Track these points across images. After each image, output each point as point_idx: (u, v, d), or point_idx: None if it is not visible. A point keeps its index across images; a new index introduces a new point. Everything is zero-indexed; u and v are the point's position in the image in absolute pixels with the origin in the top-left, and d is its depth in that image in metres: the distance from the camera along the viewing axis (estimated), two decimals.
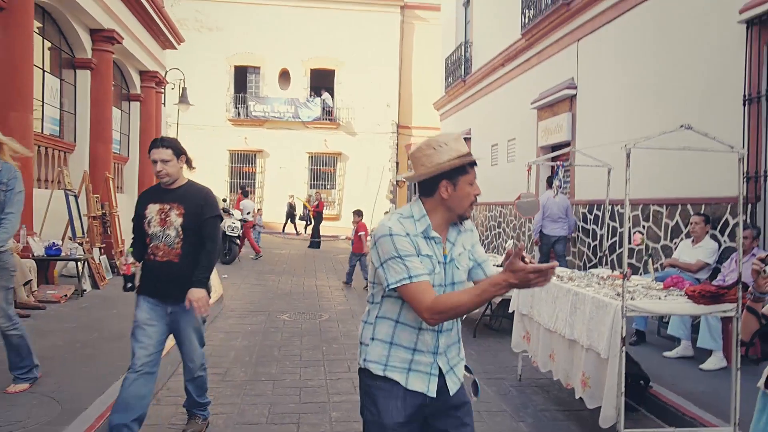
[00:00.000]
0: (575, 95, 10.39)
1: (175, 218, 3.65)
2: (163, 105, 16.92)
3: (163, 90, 16.56)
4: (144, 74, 15.05)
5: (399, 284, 2.11)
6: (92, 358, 5.46)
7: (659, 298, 4.14)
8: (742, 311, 2.65)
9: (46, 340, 5.88)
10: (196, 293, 3.60)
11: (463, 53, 17.27)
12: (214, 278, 10.69)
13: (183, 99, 17.77)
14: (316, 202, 20.59)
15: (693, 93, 7.30)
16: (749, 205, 6.28)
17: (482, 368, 5.96)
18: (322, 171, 27.62)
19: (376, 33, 27.02)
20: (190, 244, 3.67)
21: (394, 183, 27.10)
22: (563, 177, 11.23)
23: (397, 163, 27.52)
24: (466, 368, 2.41)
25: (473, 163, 2.24)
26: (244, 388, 5.24)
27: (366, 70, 26.73)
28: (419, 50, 27.50)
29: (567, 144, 10.49)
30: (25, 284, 6.94)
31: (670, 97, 7.74)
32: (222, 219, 3.77)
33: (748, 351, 2.62)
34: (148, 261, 3.71)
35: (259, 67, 27.10)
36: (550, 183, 10.18)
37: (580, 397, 4.37)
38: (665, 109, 7.74)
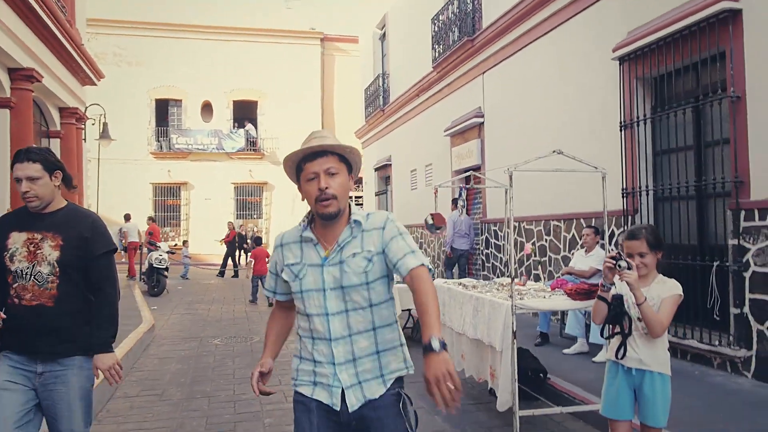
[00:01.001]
0: (483, 123, 11.29)
1: (50, 251, 2.82)
2: (84, 141, 16.86)
3: (83, 126, 16.51)
4: (64, 111, 14.99)
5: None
6: None
7: (544, 298, 4.85)
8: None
9: None
10: (105, 360, 2.87)
11: (381, 84, 18.11)
12: (143, 309, 10.84)
13: (104, 134, 17.78)
14: (227, 232, 20.80)
15: (580, 120, 8.23)
16: (629, 217, 7.18)
17: None
18: (248, 201, 27.81)
19: (297, 64, 27.66)
20: (69, 283, 2.86)
21: None
22: (467, 198, 12.15)
23: None
24: (407, 398, 2.22)
25: (307, 157, 2.14)
26: (181, 405, 5.59)
27: (288, 101, 27.27)
28: (340, 80, 28.32)
29: (478, 168, 11.33)
30: None
31: (561, 124, 8.66)
32: (115, 251, 3.03)
33: (602, 332, 3.28)
34: (11, 306, 2.84)
35: (180, 100, 27.17)
36: (455, 203, 11.20)
37: (490, 389, 4.99)
38: (557, 134, 8.65)
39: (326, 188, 2.09)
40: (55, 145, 14.95)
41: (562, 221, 8.71)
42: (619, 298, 3.04)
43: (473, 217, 12.03)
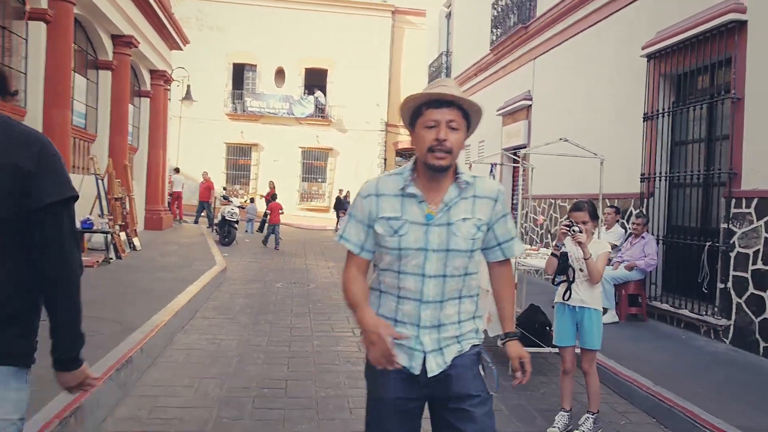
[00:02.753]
0: (531, 105, 12.14)
1: None
2: (168, 100, 18.55)
3: (169, 87, 18.17)
4: (154, 73, 16.67)
5: (337, 238, 2.19)
6: (134, 301, 7.11)
7: (544, 259, 5.88)
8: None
9: (97, 290, 7.53)
10: (70, 379, 1.88)
11: (444, 61, 18.98)
12: (216, 254, 12.33)
13: (187, 96, 19.42)
14: (268, 190, 22.28)
15: (611, 110, 9.02)
16: (645, 200, 8.02)
17: None
18: (314, 165, 29.26)
19: (367, 36, 28.65)
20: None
21: None
22: (513, 176, 13.01)
23: (385, 160, 29.19)
24: (487, 358, 2.17)
25: (431, 103, 1.99)
26: (248, 327, 6.92)
27: (357, 71, 28.34)
28: (408, 53, 29.15)
29: (524, 147, 12.20)
30: None
31: (593, 112, 9.47)
32: (75, 200, 1.82)
33: (554, 281, 4.29)
34: None
35: (256, 65, 28.66)
36: None
37: (484, 330, 6.09)
38: (589, 121, 9.47)
39: (444, 140, 1.96)
40: (144, 104, 16.69)
41: (596, 201, 9.56)
42: (565, 255, 4.08)
43: (517, 193, 12.96)
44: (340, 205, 24.15)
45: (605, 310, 7.51)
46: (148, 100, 16.77)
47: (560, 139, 5.74)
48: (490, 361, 2.16)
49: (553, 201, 10.83)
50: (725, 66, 6.71)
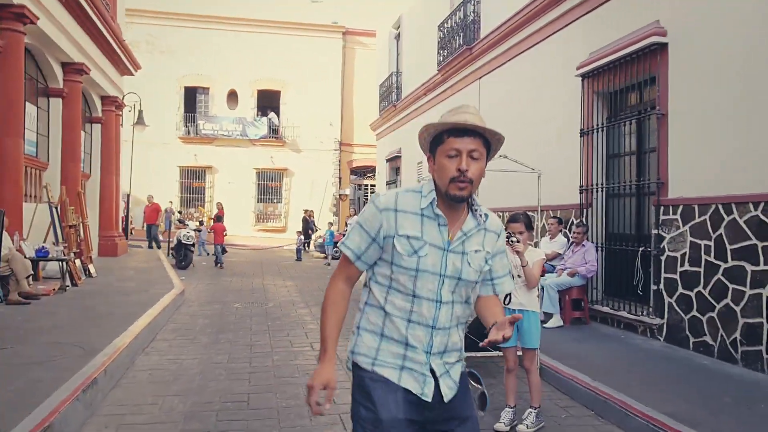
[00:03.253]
0: None
1: None
2: (120, 126, 18.50)
3: (121, 113, 18.14)
4: (105, 99, 16.66)
5: (340, 245, 2.12)
6: (94, 326, 7.20)
7: None
8: None
9: (56, 317, 7.59)
10: None
11: (394, 81, 19.45)
12: (173, 277, 12.39)
13: (139, 121, 19.39)
14: (216, 211, 22.52)
15: (551, 126, 9.55)
16: (584, 210, 8.52)
17: None
18: (269, 186, 29.34)
19: (319, 57, 29.01)
20: None
21: (337, 197, 29.10)
22: None
23: (340, 179, 29.49)
24: (475, 377, 2.17)
25: (453, 131, 1.98)
26: (208, 347, 7.08)
27: (310, 91, 28.65)
28: (360, 73, 29.61)
29: None
30: (27, 277, 8.58)
31: (534, 129, 9.99)
32: None
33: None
34: None
35: (208, 88, 28.68)
36: None
37: None
38: (531, 137, 9.98)
39: (466, 170, 1.95)
40: (96, 130, 16.65)
41: (535, 212, 10.05)
42: None
43: None
44: (308, 226, 23.88)
45: (551, 315, 7.96)
46: (100, 126, 16.74)
47: (500, 156, 6.11)
48: (482, 381, 2.17)
49: (500, 214, 11.28)
50: (651, 84, 7.27)
